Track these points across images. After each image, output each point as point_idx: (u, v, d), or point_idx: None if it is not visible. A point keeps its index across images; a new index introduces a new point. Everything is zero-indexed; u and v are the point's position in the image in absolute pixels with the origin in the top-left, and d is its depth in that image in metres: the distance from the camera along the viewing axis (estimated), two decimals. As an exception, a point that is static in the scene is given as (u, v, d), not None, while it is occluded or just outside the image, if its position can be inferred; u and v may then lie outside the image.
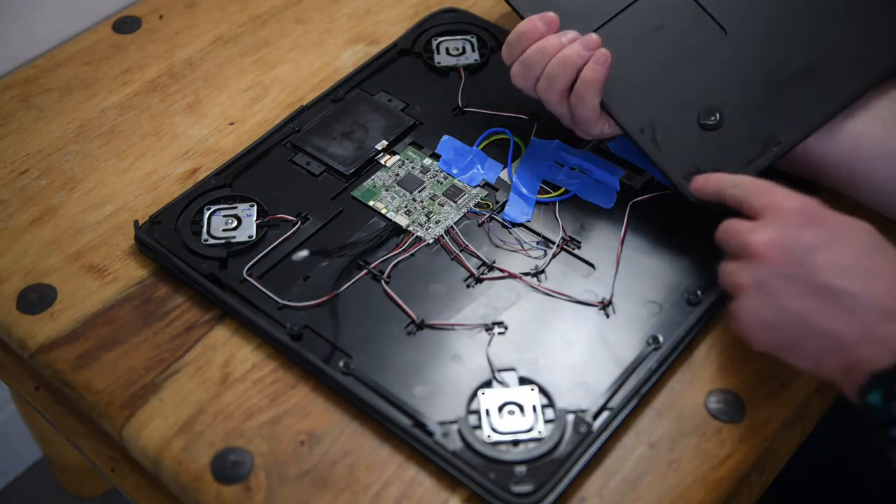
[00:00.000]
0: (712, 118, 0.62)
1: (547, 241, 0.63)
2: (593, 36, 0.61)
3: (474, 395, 0.56)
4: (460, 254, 0.62)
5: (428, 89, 0.73)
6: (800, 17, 0.64)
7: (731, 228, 0.54)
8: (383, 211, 0.65)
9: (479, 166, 0.67)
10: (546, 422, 0.54)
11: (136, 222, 0.64)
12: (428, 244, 0.63)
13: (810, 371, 0.51)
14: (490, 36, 0.76)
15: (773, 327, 0.51)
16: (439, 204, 0.65)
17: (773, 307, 0.50)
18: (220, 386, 0.57)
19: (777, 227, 0.52)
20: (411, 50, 0.76)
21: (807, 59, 0.63)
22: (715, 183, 0.58)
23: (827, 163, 0.61)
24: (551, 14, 0.62)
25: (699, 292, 0.60)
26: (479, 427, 0.54)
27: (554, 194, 0.66)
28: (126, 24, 0.80)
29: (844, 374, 0.49)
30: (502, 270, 0.62)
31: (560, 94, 0.62)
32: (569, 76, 0.61)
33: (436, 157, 0.68)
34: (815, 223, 0.51)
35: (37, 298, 0.61)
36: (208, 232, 0.63)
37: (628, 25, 0.64)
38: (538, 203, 0.65)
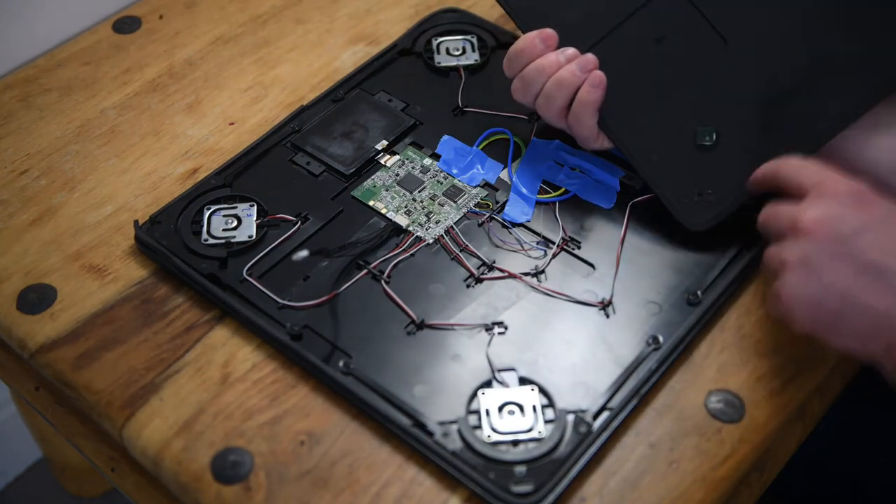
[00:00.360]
0: (708, 138, 0.62)
1: (547, 241, 0.63)
2: (590, 56, 0.61)
3: (474, 395, 0.56)
4: (460, 254, 0.62)
5: (428, 89, 0.73)
6: (801, 31, 0.62)
7: (778, 209, 0.54)
8: (383, 211, 0.65)
9: (479, 166, 0.67)
10: (546, 422, 0.54)
11: (136, 222, 0.64)
12: (428, 244, 0.63)
13: (852, 351, 0.51)
14: (490, 36, 0.76)
15: (817, 305, 0.50)
16: (439, 204, 0.65)
17: (817, 284, 0.50)
18: (220, 386, 0.57)
19: (827, 205, 0.51)
20: (411, 50, 0.76)
21: (807, 75, 0.62)
22: (763, 169, 0.58)
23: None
24: (549, 31, 0.62)
25: (699, 292, 0.60)
26: (478, 427, 0.54)
27: (554, 194, 0.66)
28: (126, 24, 0.80)
29: (887, 353, 0.49)
30: (502, 270, 0.62)
31: (558, 112, 0.63)
32: (565, 96, 0.62)
33: (436, 157, 0.68)
34: (864, 205, 0.51)
35: (37, 298, 0.61)
36: (208, 232, 0.63)
37: (629, 37, 0.64)
38: (538, 203, 0.65)
